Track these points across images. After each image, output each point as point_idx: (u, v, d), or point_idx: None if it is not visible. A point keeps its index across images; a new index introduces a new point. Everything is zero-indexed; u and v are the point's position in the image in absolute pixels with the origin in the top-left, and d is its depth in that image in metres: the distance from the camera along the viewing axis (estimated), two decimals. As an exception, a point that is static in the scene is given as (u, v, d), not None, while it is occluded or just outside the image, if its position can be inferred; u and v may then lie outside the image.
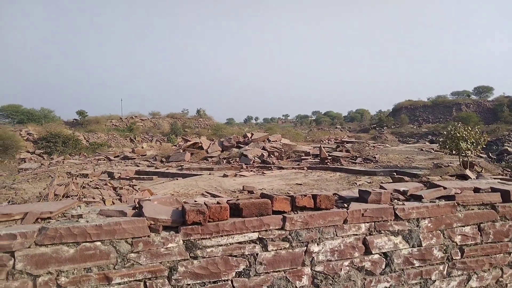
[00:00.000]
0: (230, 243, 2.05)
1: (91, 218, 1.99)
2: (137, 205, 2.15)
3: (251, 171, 14.58)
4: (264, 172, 14.19)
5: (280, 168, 15.10)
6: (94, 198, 8.48)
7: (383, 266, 2.35)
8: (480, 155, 15.99)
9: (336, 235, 2.25)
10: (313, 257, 2.21)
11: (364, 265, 2.31)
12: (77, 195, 8.37)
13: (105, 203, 8.09)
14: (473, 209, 2.52)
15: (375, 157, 16.15)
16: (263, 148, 18.67)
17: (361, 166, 14.56)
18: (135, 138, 36.74)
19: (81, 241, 1.84)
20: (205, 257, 2.01)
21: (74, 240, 1.83)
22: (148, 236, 1.93)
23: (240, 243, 2.07)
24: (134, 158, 20.83)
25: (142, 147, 27.16)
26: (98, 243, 1.86)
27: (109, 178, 13.43)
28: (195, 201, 2.22)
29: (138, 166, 17.36)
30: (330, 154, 16.72)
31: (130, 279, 1.89)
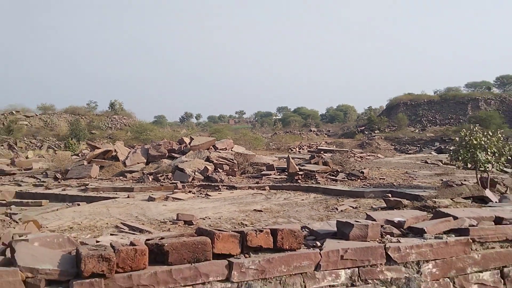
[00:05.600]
0: (148, 304, 1.98)
1: None
2: (8, 248, 2.03)
3: (190, 192, 14.45)
4: (208, 193, 14.10)
5: (232, 187, 15.07)
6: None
7: (371, 331, 2.36)
8: (505, 169, 16.71)
9: (305, 287, 2.23)
10: (272, 321, 2.18)
11: (344, 330, 2.31)
12: None
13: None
14: (493, 248, 2.58)
15: (362, 172, 16.48)
16: (207, 160, 18.56)
17: (344, 185, 14.80)
18: (16, 144, 35.47)
19: None
20: (110, 326, 1.92)
21: None
22: (23, 296, 1.82)
23: (164, 303, 2.00)
24: (14, 174, 20.06)
25: (27, 157, 26.23)
26: None
27: (-26, 204, 12.85)
28: (98, 241, 2.13)
29: (19, 185, 16.72)
30: (302, 167, 16.89)
31: None
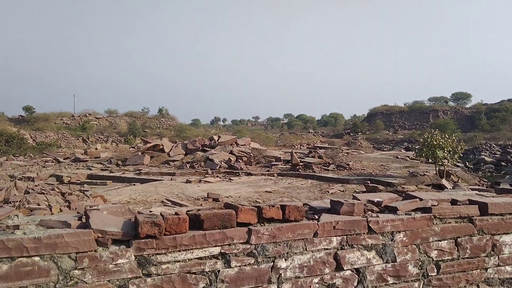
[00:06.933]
0: (188, 259, 1.99)
1: (29, 229, 1.88)
2: (84, 215, 2.05)
3: (217, 177, 14.47)
4: (231, 178, 14.12)
5: (249, 174, 15.07)
6: (39, 205, 8.15)
7: (355, 284, 2.35)
8: (457, 164, 16.52)
9: (306, 249, 2.23)
10: (280, 274, 2.18)
11: (335, 282, 2.30)
12: (19, 201, 8.01)
13: (51, 210, 7.79)
14: (450, 223, 2.57)
15: (348, 164, 16.40)
16: (231, 152, 18.58)
17: (334, 174, 14.74)
18: (88, 138, 35.84)
19: (16, 256, 1.73)
20: (160, 275, 1.94)
21: (8, 254, 1.72)
22: (95, 251, 1.84)
23: (200, 258, 2.02)
24: (87, 161, 20.27)
25: (96, 149, 26.47)
26: (37, 259, 1.76)
27: (58, 182, 12.99)
28: (150, 211, 2.15)
29: (90, 169, 16.88)
30: (302, 160, 16.85)
31: (73, 300, 1.80)
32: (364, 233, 2.35)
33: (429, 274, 2.51)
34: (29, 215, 6.80)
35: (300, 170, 15.59)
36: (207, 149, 19.71)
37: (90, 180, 13.84)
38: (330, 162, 16.94)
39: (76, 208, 8.12)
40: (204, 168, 16.17)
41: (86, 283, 1.82)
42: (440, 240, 2.52)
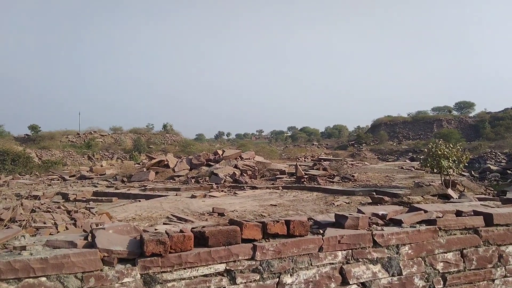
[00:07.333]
0: (194, 276, 2.00)
1: (36, 250, 1.89)
2: (90, 234, 2.06)
3: (222, 191, 14.46)
4: (236, 192, 14.10)
5: (254, 187, 15.05)
6: (45, 223, 8.16)
7: (362, 298, 2.34)
8: (462, 173, 16.46)
9: (311, 264, 2.23)
10: (286, 290, 2.18)
11: (341, 297, 2.29)
12: (25, 220, 8.03)
13: (57, 229, 7.80)
14: (455, 234, 2.56)
15: (353, 176, 16.35)
16: (235, 166, 18.58)
17: (339, 185, 14.69)
18: (93, 156, 35.99)
19: (23, 277, 1.74)
20: (166, 293, 1.94)
21: (15, 275, 1.73)
22: (101, 270, 1.85)
23: (205, 276, 2.02)
24: (92, 178, 20.32)
25: (101, 166, 26.54)
26: (43, 279, 1.77)
27: (63, 200, 13.02)
28: (156, 229, 2.16)
29: (96, 186, 16.92)
30: (307, 172, 16.82)
31: (79, 320, 1.80)
32: (369, 247, 2.35)
33: (436, 287, 2.49)
34: (35, 234, 6.82)
35: (305, 182, 15.55)
36: (211, 163, 19.73)
37: (95, 197, 13.86)
38: (335, 174, 16.90)
39: (82, 226, 8.13)
40: (209, 183, 16.17)
41: (92, 302, 1.82)
42: (445, 252, 2.51)
